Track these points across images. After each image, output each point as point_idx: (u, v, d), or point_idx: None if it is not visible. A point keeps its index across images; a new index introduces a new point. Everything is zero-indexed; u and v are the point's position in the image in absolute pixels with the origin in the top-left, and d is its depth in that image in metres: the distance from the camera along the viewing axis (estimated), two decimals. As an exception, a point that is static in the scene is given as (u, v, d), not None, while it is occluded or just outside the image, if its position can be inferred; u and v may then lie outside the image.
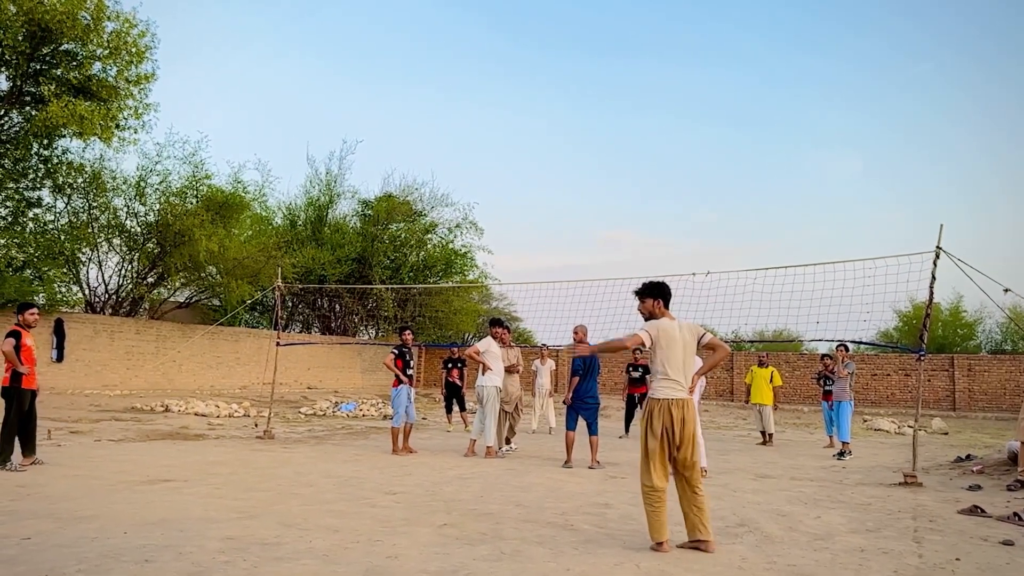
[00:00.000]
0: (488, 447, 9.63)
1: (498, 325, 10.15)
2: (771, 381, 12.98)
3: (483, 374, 9.83)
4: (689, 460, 4.78)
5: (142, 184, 20.68)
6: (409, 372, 10.03)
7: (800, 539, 5.24)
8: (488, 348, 9.81)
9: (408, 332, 10.40)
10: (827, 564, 4.54)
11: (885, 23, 57.76)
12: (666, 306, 5.04)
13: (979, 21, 54.18)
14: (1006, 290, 8.21)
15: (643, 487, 4.82)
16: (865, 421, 18.25)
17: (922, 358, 8.49)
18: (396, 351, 10.10)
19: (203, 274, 21.80)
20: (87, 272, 21.19)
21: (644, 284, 5.06)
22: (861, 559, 4.69)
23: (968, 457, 9.88)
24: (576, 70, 66.77)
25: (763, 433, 12.86)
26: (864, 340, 10.12)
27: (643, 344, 4.87)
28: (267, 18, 63.85)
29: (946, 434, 16.00)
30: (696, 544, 4.75)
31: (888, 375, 24.35)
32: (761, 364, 13.30)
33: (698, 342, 4.97)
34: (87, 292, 21.20)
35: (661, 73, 63.88)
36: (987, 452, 10.41)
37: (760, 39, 62.34)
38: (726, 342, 5.97)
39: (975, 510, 6.41)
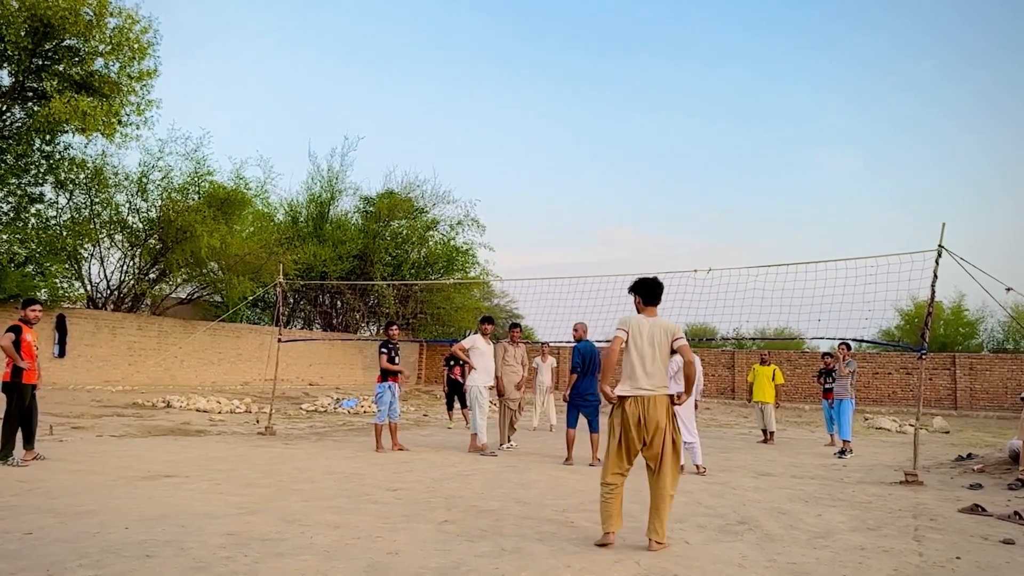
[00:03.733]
0: (472, 435, 9.84)
1: (488, 323, 10.20)
2: (773, 379, 12.98)
3: (470, 373, 10.00)
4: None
5: (144, 180, 20.71)
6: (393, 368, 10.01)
7: (800, 537, 5.23)
8: (473, 345, 9.87)
9: (395, 327, 10.30)
10: (827, 562, 4.54)
11: (886, 21, 57.68)
12: (646, 303, 5.00)
13: (980, 19, 54.07)
14: (1008, 289, 8.20)
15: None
16: (866, 420, 18.23)
17: (923, 357, 8.47)
18: (385, 349, 10.02)
19: (205, 270, 21.83)
20: (89, 268, 21.26)
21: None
22: (861, 557, 4.69)
23: (969, 456, 9.88)
24: (576, 67, 66.78)
25: (764, 431, 12.86)
26: (865, 338, 10.07)
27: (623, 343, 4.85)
28: (269, 14, 63.88)
29: (947, 433, 15.98)
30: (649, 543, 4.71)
31: (889, 374, 24.32)
32: (763, 362, 13.30)
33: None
34: (89, 288, 21.23)
35: (661, 70, 63.87)
36: (988, 451, 10.40)
37: (760, 36, 62.29)
38: (728, 340, 6.00)
39: (976, 509, 6.40)
